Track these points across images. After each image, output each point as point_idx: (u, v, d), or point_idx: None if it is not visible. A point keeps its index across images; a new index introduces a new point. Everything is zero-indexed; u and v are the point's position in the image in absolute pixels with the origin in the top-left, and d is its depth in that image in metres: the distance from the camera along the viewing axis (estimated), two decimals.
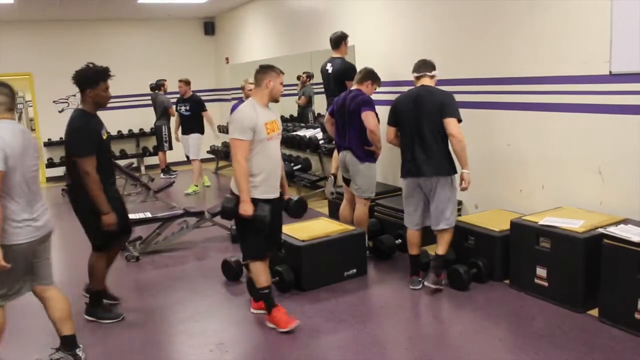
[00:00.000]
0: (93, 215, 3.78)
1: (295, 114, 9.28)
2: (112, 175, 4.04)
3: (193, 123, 8.48)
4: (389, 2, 6.09)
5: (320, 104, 8.05)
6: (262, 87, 3.66)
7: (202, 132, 8.60)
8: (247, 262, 3.90)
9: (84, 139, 3.69)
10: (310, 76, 8.48)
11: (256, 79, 3.69)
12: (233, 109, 7.22)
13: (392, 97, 5.92)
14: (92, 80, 3.73)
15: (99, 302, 4.10)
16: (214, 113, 11.81)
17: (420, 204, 4.24)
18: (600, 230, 3.56)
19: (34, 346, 3.73)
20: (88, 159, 3.64)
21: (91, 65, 3.79)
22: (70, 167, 3.84)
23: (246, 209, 3.51)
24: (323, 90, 6.34)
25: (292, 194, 4.06)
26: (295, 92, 8.82)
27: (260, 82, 3.66)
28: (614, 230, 3.45)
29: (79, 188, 3.75)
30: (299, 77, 8.51)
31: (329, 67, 5.93)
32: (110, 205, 3.76)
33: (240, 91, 7.33)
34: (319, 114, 8.24)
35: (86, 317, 4.06)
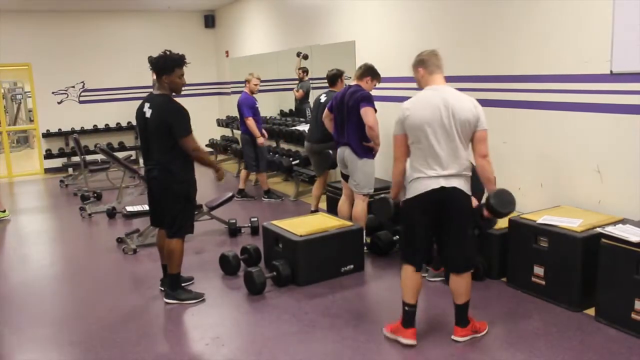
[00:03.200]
0: (184, 201, 3.92)
1: (294, 109, 9.25)
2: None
3: None
4: None
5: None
6: (442, 72, 3.35)
7: None
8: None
9: (186, 118, 3.84)
10: (306, 71, 8.53)
11: (435, 65, 3.37)
12: (241, 101, 7.18)
13: (392, 93, 5.94)
14: (167, 67, 3.85)
15: (178, 284, 4.15)
16: (214, 106, 11.88)
17: None
18: (599, 229, 3.55)
19: (34, 344, 3.72)
20: (192, 136, 3.84)
21: (168, 52, 3.90)
22: (161, 149, 3.87)
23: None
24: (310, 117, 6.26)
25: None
26: (293, 86, 8.82)
27: (441, 67, 3.35)
28: (612, 230, 3.45)
29: (174, 173, 3.86)
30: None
31: (323, 98, 5.89)
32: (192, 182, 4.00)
33: (242, 85, 7.29)
34: None
35: (167, 301, 4.11)
